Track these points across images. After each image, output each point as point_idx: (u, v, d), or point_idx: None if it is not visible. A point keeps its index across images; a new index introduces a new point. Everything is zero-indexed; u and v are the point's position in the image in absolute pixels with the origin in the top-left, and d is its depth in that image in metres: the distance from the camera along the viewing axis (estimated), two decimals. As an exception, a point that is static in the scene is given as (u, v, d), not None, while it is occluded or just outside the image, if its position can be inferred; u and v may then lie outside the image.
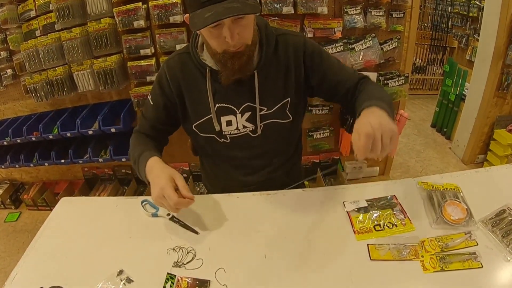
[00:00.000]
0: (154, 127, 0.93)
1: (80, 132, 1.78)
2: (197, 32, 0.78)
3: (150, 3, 1.61)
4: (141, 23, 1.62)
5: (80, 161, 1.88)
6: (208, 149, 0.96)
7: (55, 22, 1.76)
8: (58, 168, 2.30)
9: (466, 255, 0.66)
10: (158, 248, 0.74)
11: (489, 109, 2.36)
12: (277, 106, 0.86)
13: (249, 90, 0.82)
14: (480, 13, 3.25)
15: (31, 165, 2.12)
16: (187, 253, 0.72)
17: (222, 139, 0.90)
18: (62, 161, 1.94)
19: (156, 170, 0.76)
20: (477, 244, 0.68)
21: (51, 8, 1.75)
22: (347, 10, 1.70)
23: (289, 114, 0.89)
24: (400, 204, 0.80)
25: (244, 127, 0.87)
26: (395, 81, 1.83)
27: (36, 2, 1.81)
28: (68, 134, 1.84)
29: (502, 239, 0.68)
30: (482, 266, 0.63)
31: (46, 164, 2.04)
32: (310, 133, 1.88)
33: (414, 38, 1.93)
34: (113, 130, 1.71)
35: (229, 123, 0.87)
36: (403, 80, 1.84)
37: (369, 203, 0.80)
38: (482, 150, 2.44)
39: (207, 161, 1.06)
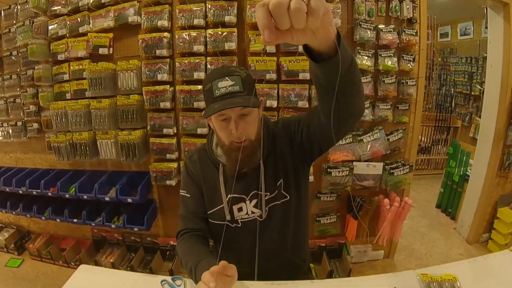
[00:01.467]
0: (198, 217, 0.98)
1: (97, 197, 1.84)
2: (211, 126, 0.92)
3: (177, 87, 1.76)
4: (167, 104, 1.75)
5: (93, 224, 1.92)
6: (220, 234, 1.00)
7: (87, 90, 1.90)
8: (68, 224, 2.28)
9: None
10: None
11: (491, 189, 2.40)
12: (276, 191, 0.94)
13: (255, 180, 0.93)
14: (481, 91, 3.44)
15: (43, 217, 2.15)
16: None
17: (234, 224, 0.97)
18: (75, 220, 1.98)
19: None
20: None
21: (84, 76, 1.91)
22: (356, 104, 1.83)
23: (285, 194, 0.96)
24: None
25: (253, 212, 0.96)
26: (400, 170, 1.91)
27: (71, 67, 1.97)
28: (85, 197, 1.90)
29: None
30: None
31: (58, 220, 2.07)
32: (317, 218, 1.93)
33: (418, 128, 2.04)
34: (129, 200, 1.77)
35: (240, 209, 0.96)
36: (407, 169, 1.93)
37: None
38: (486, 229, 2.45)
39: (218, 246, 1.10)
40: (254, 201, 0.94)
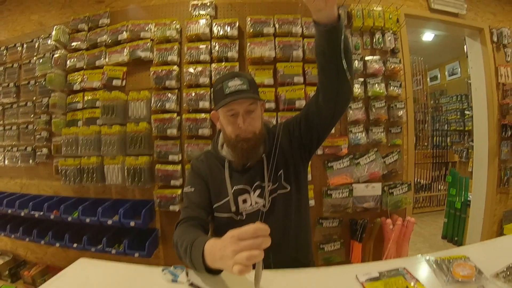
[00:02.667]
0: (200, 207, 1.01)
1: (100, 221, 1.87)
2: (218, 126, 1.05)
3: (184, 116, 1.89)
4: (174, 131, 1.87)
5: (93, 249, 1.91)
6: (225, 228, 1.02)
7: (99, 117, 2.02)
8: (66, 255, 2.29)
9: None
10: None
11: (494, 206, 2.45)
12: (277, 181, 1.03)
13: (258, 172, 1.02)
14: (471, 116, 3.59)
15: (42, 241, 2.12)
16: None
17: (239, 217, 1.02)
18: (75, 245, 1.97)
19: (218, 245, 0.70)
20: None
21: (97, 105, 2.04)
22: (351, 129, 1.97)
23: (285, 184, 1.03)
24: (410, 273, 0.84)
25: (256, 203, 1.02)
26: (399, 190, 1.99)
27: (85, 97, 2.10)
28: (87, 220, 1.92)
29: None
30: None
31: (58, 244, 2.06)
32: (321, 246, 1.94)
33: (413, 149, 2.16)
34: (132, 224, 1.80)
35: (244, 201, 1.02)
36: (406, 188, 2.00)
37: (380, 273, 0.84)
38: (494, 249, 2.46)
39: None
40: (257, 191, 1.02)
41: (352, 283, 0.82)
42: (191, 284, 0.83)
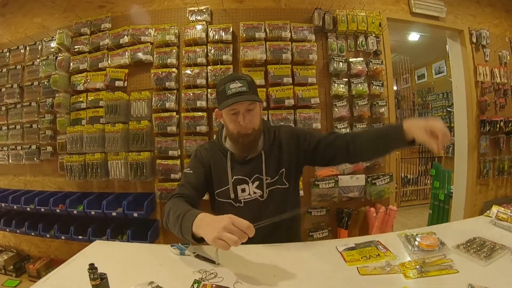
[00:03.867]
0: (194, 188, 1.12)
1: (105, 213, 2.00)
2: (222, 122, 1.16)
3: (182, 114, 2.03)
4: (173, 129, 2.01)
5: (97, 240, 2.03)
6: (225, 212, 1.08)
7: (102, 117, 2.14)
8: (69, 248, 2.38)
9: (443, 265, 0.78)
10: (185, 270, 0.88)
11: (474, 197, 2.61)
12: (277, 176, 1.13)
13: (257, 166, 1.12)
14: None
15: (47, 235, 2.23)
16: (210, 274, 0.85)
17: (237, 204, 1.13)
18: (80, 237, 2.09)
19: (211, 217, 0.86)
20: (452, 261, 0.81)
21: (100, 104, 2.16)
22: (336, 125, 2.13)
23: (285, 181, 1.15)
24: (382, 244, 0.98)
25: (254, 192, 1.13)
26: (381, 180, 2.16)
27: (88, 97, 2.22)
28: (93, 213, 2.05)
29: (474, 254, 0.82)
30: (458, 272, 0.76)
31: (63, 237, 2.17)
32: (310, 234, 2.10)
33: None
34: (135, 214, 1.94)
35: (243, 190, 1.13)
36: (388, 179, 2.18)
37: (356, 244, 0.99)
38: (475, 239, 2.63)
39: None
40: (256, 183, 1.13)
41: (333, 253, 0.97)
42: (197, 256, 0.96)
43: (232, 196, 1.14)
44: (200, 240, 0.91)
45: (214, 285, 0.77)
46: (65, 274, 0.89)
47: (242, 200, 1.15)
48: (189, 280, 0.78)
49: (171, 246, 1.02)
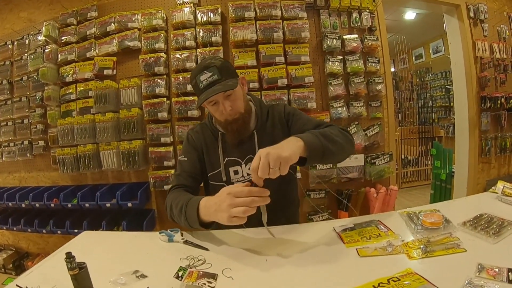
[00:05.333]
0: (192, 176, 1.10)
1: (99, 204, 1.96)
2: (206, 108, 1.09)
3: (173, 100, 1.98)
4: (164, 115, 1.96)
5: (93, 232, 2.00)
6: None
7: (92, 107, 2.09)
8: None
9: (449, 244, 0.73)
10: (172, 257, 0.84)
11: (477, 175, 2.56)
12: None
13: (250, 146, 1.07)
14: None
15: (44, 231, 2.21)
16: (198, 260, 0.82)
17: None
18: (76, 230, 2.05)
19: (212, 200, 0.84)
20: (459, 239, 0.75)
21: (90, 95, 2.11)
22: (332, 104, 2.07)
23: None
24: (383, 224, 0.92)
25: (248, 174, 1.08)
26: (380, 160, 2.10)
27: (78, 88, 2.18)
28: (87, 205, 2.01)
29: (482, 231, 0.77)
30: (466, 251, 0.71)
31: (59, 232, 2.14)
32: (309, 217, 2.05)
33: (393, 122, 2.27)
34: (129, 205, 1.89)
35: (236, 172, 1.09)
36: (388, 158, 2.12)
37: (355, 224, 0.94)
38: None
39: None
40: (249, 164, 1.06)
41: (330, 234, 0.91)
42: (185, 242, 0.93)
43: (224, 178, 1.09)
44: (209, 225, 0.89)
45: (201, 272, 0.73)
46: (50, 266, 0.87)
47: (235, 183, 1.10)
48: (175, 267, 0.75)
49: (160, 233, 1.00)
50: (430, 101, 4.49)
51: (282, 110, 1.15)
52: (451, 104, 4.15)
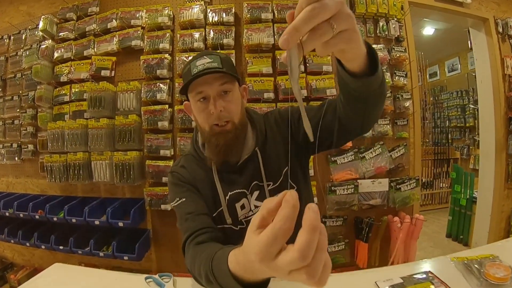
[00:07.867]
0: (202, 214, 0.82)
1: (87, 221, 1.74)
2: (193, 118, 0.85)
3: (176, 107, 1.77)
4: (165, 124, 1.75)
5: (80, 252, 1.78)
6: (227, 239, 0.83)
7: (86, 110, 1.89)
8: (54, 257, 2.14)
9: None
10: None
11: (502, 203, 2.35)
12: (281, 179, 0.84)
13: (253, 169, 0.84)
14: (476, 121, 3.51)
15: (27, 244, 2.00)
16: None
17: (239, 226, 0.86)
18: (61, 247, 1.84)
19: (240, 254, 0.49)
20: None
21: (84, 97, 1.92)
22: (355, 121, 1.84)
23: (292, 183, 0.85)
24: (437, 277, 0.75)
25: (256, 206, 0.85)
26: (406, 185, 1.86)
27: (72, 89, 1.98)
28: (74, 220, 1.80)
29: None
30: None
31: (43, 246, 1.94)
32: None
33: (419, 143, 2.04)
34: (121, 224, 1.67)
35: (243, 207, 0.85)
36: (414, 184, 1.88)
37: (403, 279, 0.75)
38: (503, 248, 2.36)
39: None
40: (256, 193, 0.84)
41: None
42: None
43: (229, 221, 0.84)
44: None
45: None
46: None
47: (243, 221, 0.86)
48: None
49: (146, 278, 0.79)
50: (446, 121, 4.29)
51: (278, 117, 0.91)
52: (467, 124, 3.96)
